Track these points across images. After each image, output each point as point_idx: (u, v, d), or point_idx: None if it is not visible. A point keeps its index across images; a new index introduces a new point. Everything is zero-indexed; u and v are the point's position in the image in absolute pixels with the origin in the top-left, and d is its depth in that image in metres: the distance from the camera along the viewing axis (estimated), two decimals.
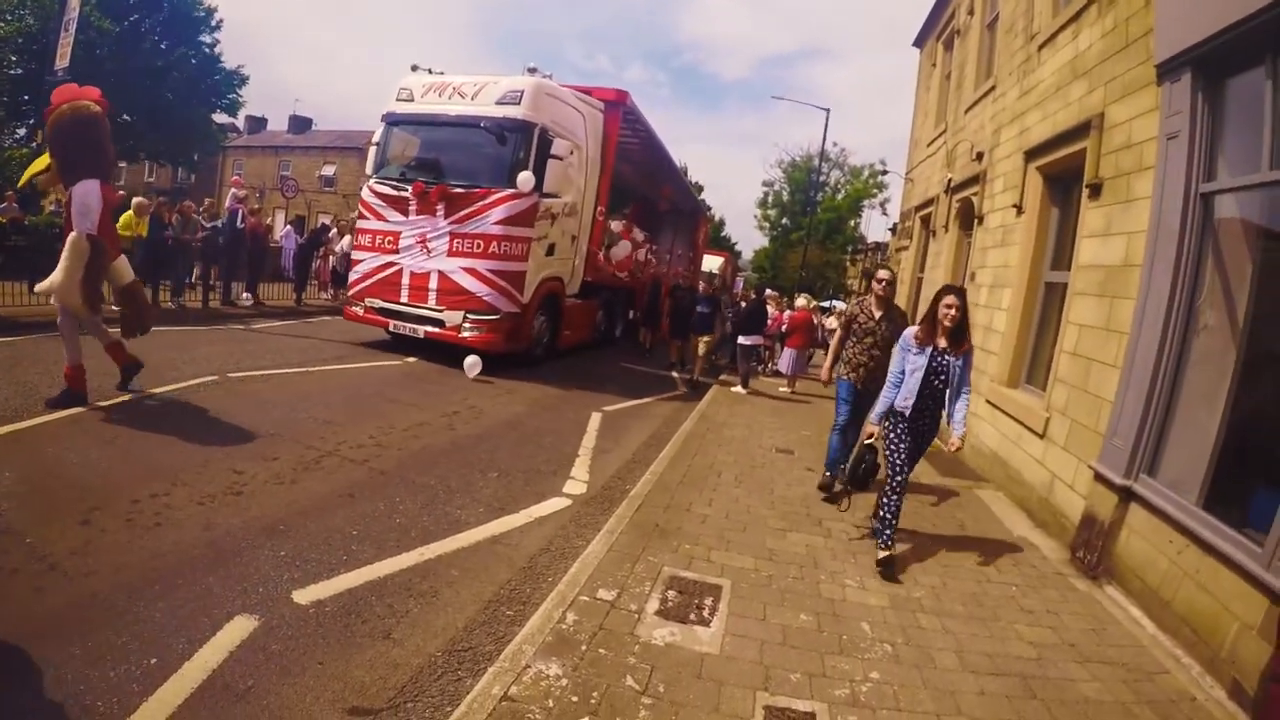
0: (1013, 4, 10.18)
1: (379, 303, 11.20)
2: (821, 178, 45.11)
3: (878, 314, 6.36)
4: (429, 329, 10.82)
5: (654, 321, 16.91)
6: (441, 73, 11.90)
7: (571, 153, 11.37)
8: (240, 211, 14.71)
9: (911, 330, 5.18)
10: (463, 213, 10.56)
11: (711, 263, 27.84)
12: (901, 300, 16.59)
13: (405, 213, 10.94)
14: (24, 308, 10.79)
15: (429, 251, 10.77)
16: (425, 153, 11.68)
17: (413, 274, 10.89)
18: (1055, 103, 7.88)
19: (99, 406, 6.37)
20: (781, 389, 13.47)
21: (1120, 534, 5.19)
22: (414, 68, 11.98)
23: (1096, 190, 6.50)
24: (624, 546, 4.70)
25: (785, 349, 14.10)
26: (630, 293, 18.04)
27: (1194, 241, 5.06)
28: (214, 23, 28.53)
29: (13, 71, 23.93)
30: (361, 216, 11.61)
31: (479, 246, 10.51)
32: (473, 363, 10.00)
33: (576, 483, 6.30)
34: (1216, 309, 5.02)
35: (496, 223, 10.46)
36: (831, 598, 4.36)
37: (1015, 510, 7.07)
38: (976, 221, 10.44)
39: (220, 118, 31.89)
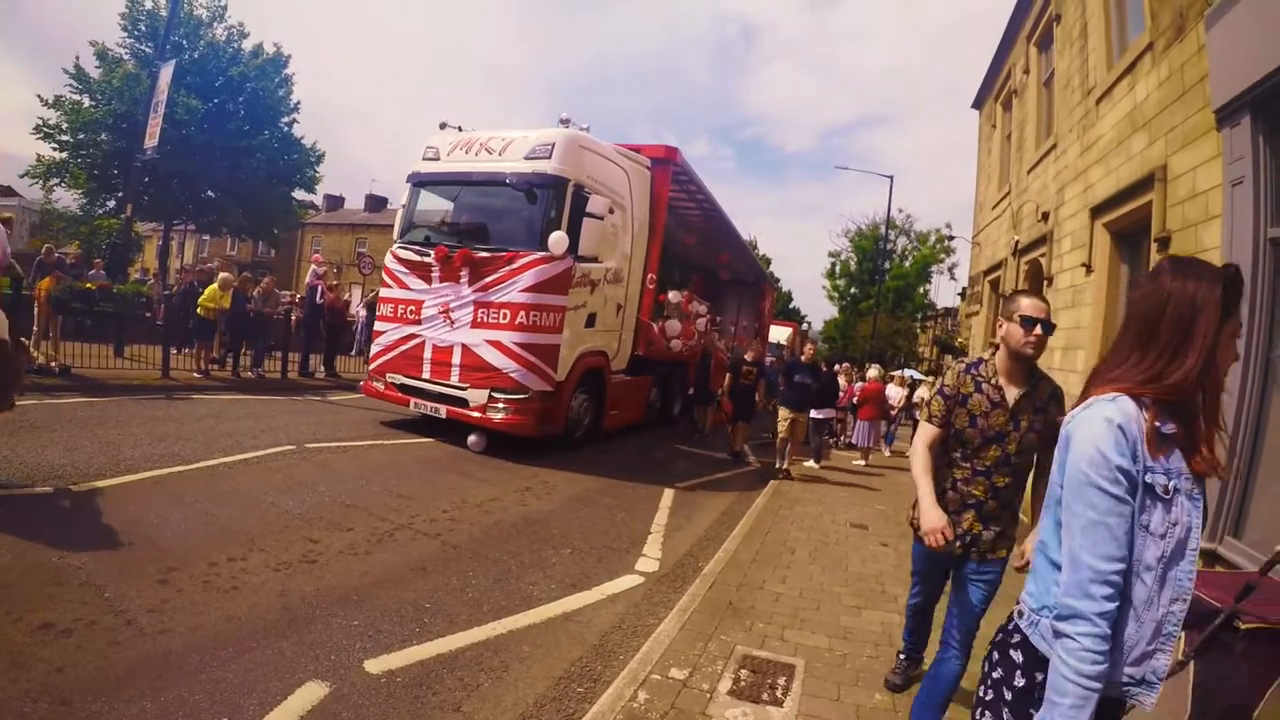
0: (1068, 60, 10.20)
1: (400, 378, 10.21)
2: (888, 245, 44.87)
3: (1012, 392, 3.20)
4: (452, 408, 9.71)
5: (706, 399, 15.06)
6: (472, 130, 10.93)
7: (611, 211, 10.27)
8: (319, 287, 15.36)
9: (1136, 421, 1.68)
10: (488, 279, 9.45)
11: (779, 334, 27.60)
12: None
13: (428, 280, 9.96)
14: (109, 370, 11.55)
15: (452, 323, 9.70)
16: (451, 215, 10.96)
17: (435, 347, 9.84)
18: (1117, 157, 7.81)
19: (179, 470, 6.64)
20: (856, 462, 13.22)
21: None
22: (443, 125, 11.02)
23: (1165, 244, 6.38)
24: (697, 625, 4.63)
25: (858, 421, 13.84)
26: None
27: (1266, 289, 4.94)
28: (293, 104, 30.01)
29: (104, 148, 25.36)
30: (384, 284, 10.68)
31: (505, 317, 9.35)
32: (476, 439, 9.45)
33: (649, 560, 6.24)
34: None
35: (525, 290, 9.27)
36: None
37: None
38: (1046, 283, 10.29)
39: (299, 195, 33.11)
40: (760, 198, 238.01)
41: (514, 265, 9.31)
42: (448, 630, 4.24)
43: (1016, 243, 12.13)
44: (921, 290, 48.14)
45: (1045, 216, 10.59)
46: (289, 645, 3.78)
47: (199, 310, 13.02)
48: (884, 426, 14.70)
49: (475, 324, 9.48)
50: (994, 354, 3.28)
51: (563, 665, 4.06)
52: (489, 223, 10.24)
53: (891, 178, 33.55)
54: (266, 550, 5.03)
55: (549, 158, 9.55)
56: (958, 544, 3.28)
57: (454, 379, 9.65)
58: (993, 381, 3.21)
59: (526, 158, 9.64)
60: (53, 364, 10.70)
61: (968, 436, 3.23)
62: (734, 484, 10.37)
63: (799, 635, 4.68)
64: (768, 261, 50.71)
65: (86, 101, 24.92)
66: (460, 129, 10.84)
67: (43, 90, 25.13)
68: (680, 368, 15.59)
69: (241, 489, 6.41)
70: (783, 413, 10.85)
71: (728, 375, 12.59)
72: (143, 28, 26.10)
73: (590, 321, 10.45)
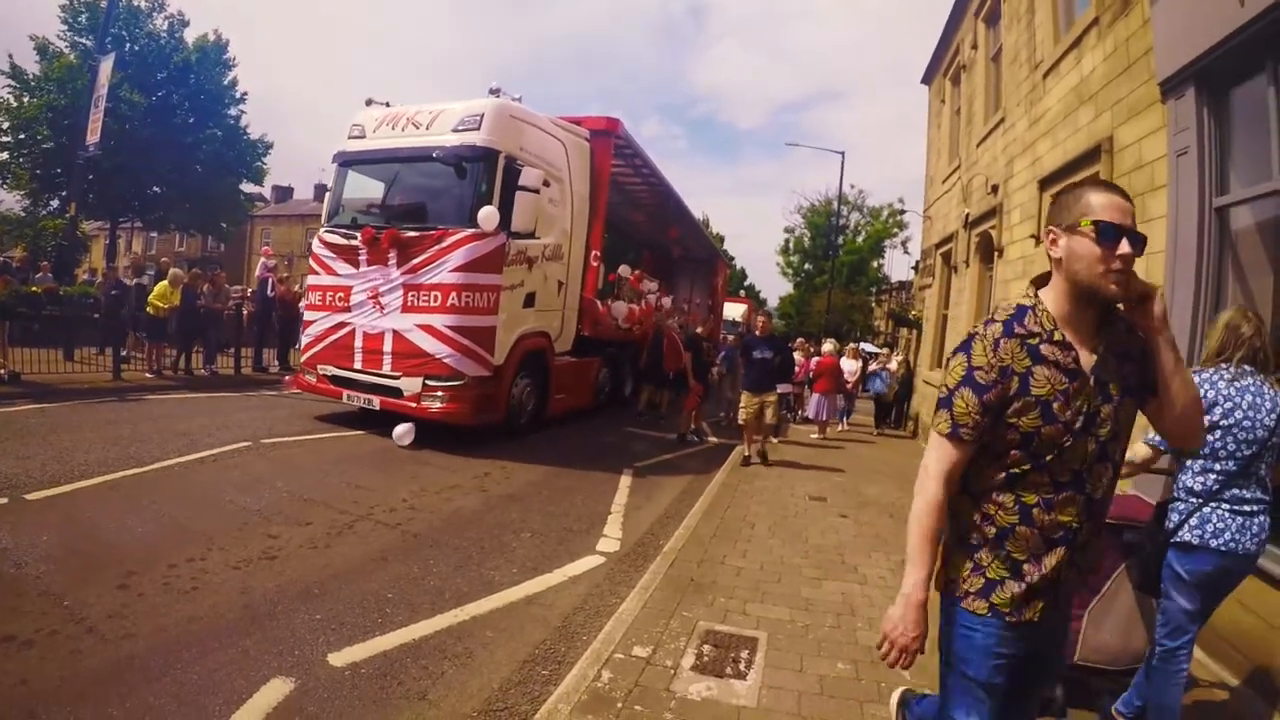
0: (1015, 34, 10.33)
1: (331, 369, 9.63)
2: (841, 221, 45.23)
3: (1085, 351, 1.97)
4: (385, 399, 9.21)
5: (660, 380, 14.07)
6: (400, 105, 10.30)
7: (547, 184, 9.80)
8: (270, 280, 15.14)
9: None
10: (417, 260, 8.91)
11: (733, 311, 27.53)
12: (928, 341, 16.50)
13: (356, 264, 9.38)
14: (59, 375, 11.33)
15: (382, 308, 9.13)
16: (379, 194, 10.28)
17: (365, 335, 9.28)
18: (1064, 129, 7.94)
19: (134, 473, 6.54)
20: (812, 435, 13.39)
21: None
22: (369, 101, 10.48)
23: None
24: (658, 602, 4.67)
25: (813, 394, 14.04)
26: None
27: (1212, 256, 5.06)
28: (238, 95, 29.58)
29: (45, 145, 24.76)
30: (312, 271, 10.05)
31: (436, 299, 8.82)
32: (403, 432, 8.90)
33: (610, 540, 6.26)
34: None
35: (455, 269, 8.74)
36: (869, 645, 4.24)
37: None
38: (997, 254, 10.46)
39: (248, 187, 32.63)
40: (713, 175, 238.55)
41: (443, 244, 8.83)
42: (410, 619, 4.23)
43: (967, 215, 12.30)
44: (875, 265, 48.79)
45: (995, 189, 10.75)
46: (252, 643, 3.76)
47: (149, 309, 12.76)
48: (840, 401, 14.76)
49: (405, 308, 8.98)
50: (1035, 295, 2.08)
51: (526, 648, 4.08)
52: (418, 201, 9.65)
53: (843, 153, 33.75)
54: (226, 549, 4.98)
55: (478, 129, 9.09)
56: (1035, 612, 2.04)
57: (386, 368, 9.16)
58: (1057, 339, 1.95)
59: (454, 130, 9.20)
60: (1, 371, 10.45)
61: (1046, 439, 1.92)
62: (693, 462, 10.38)
63: (761, 609, 4.74)
64: (721, 239, 50.85)
65: (26, 99, 24.26)
66: (388, 104, 10.36)
67: None
68: (631, 348, 14.90)
69: (198, 488, 6.34)
70: (746, 398, 9.95)
71: (688, 354, 12.02)
72: (83, 20, 25.48)
73: (529, 301, 10.01)
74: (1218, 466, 3.06)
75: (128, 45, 25.08)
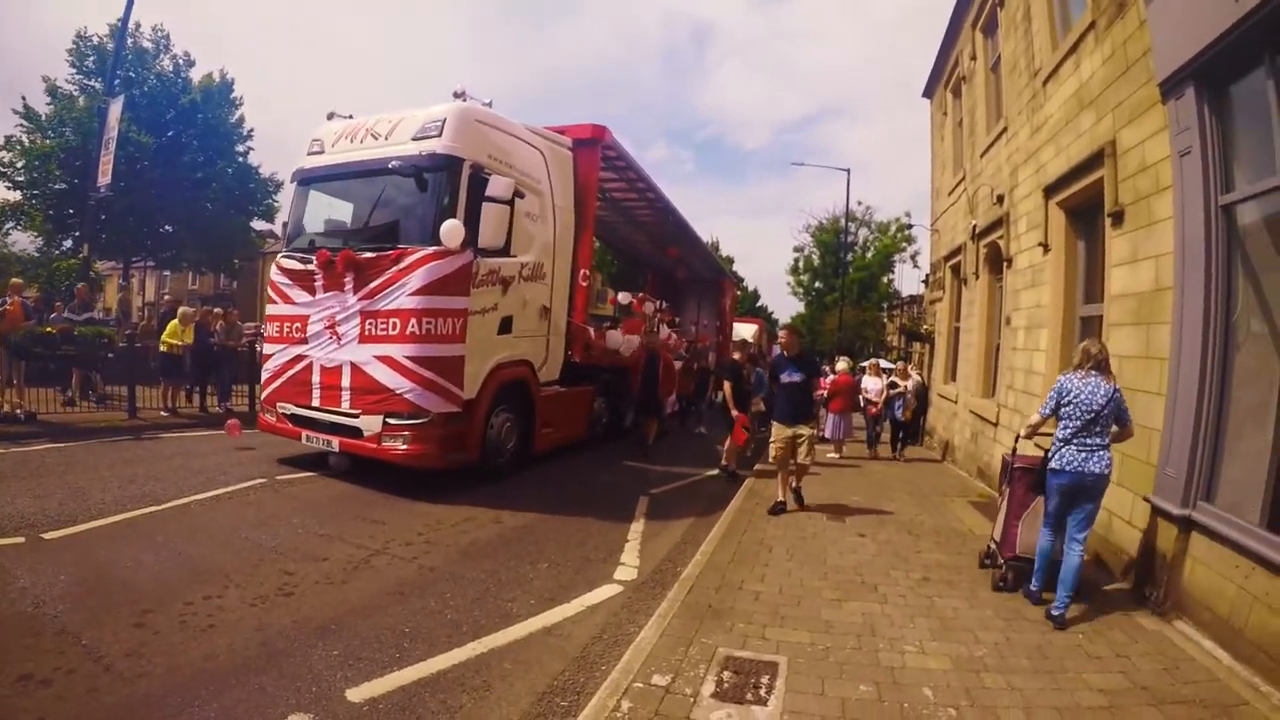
0: (1013, 43, 10.35)
1: (290, 407, 8.77)
2: (850, 237, 45.27)
3: None
4: (345, 439, 8.29)
5: (653, 409, 12.91)
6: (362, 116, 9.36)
7: (521, 195, 8.80)
8: None
9: None
10: (374, 284, 7.99)
11: (744, 331, 27.36)
12: (940, 352, 16.43)
13: (312, 291, 8.50)
14: (75, 414, 11.33)
15: (339, 338, 8.22)
16: (337, 213, 9.39)
17: (323, 369, 8.38)
18: (1067, 135, 7.93)
19: (150, 511, 6.60)
20: (829, 455, 13.23)
21: (1184, 565, 5.03)
22: (330, 115, 9.59)
23: (1119, 218, 6.49)
24: (677, 630, 4.63)
25: (829, 414, 13.76)
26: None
27: (1221, 255, 5.02)
28: (245, 132, 29.82)
29: (57, 186, 25.04)
30: (270, 300, 9.16)
31: (395, 327, 7.87)
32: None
33: (627, 568, 6.23)
34: (1254, 321, 4.95)
35: (415, 293, 7.79)
36: (891, 665, 4.23)
37: None
38: (1005, 264, 10.42)
39: (259, 224, 32.82)
40: (721, 197, 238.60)
41: (401, 265, 7.89)
42: (428, 653, 4.21)
43: (974, 226, 12.26)
44: (885, 280, 48.69)
45: (1000, 199, 10.72)
46: (269, 680, 3.75)
47: (163, 347, 12.87)
48: (868, 425, 14.27)
49: (363, 338, 8.06)
50: None
51: (545, 680, 4.05)
52: (378, 218, 8.75)
53: (848, 171, 33.98)
54: (242, 586, 4.99)
55: (439, 135, 8.18)
56: None
57: (345, 405, 8.23)
58: None
59: (414, 138, 8.30)
60: (18, 411, 10.53)
61: None
62: (710, 486, 10.30)
63: (780, 632, 4.69)
64: (731, 261, 50.86)
65: (40, 139, 24.60)
66: (351, 117, 9.44)
67: None
68: (627, 374, 13.59)
69: (214, 526, 6.36)
70: (776, 430, 8.52)
71: (728, 383, 10.60)
72: (90, 64, 25.83)
73: (505, 326, 9.01)
74: (1070, 425, 5.10)
75: (135, 88, 25.38)
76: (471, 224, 8.05)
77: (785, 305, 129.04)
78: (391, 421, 7.93)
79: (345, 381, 8.17)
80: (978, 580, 5.97)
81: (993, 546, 6.15)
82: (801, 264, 51.38)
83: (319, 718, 3.44)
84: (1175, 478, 5.14)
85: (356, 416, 8.14)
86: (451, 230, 7.81)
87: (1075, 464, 4.99)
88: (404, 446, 7.92)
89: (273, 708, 3.49)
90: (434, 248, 7.87)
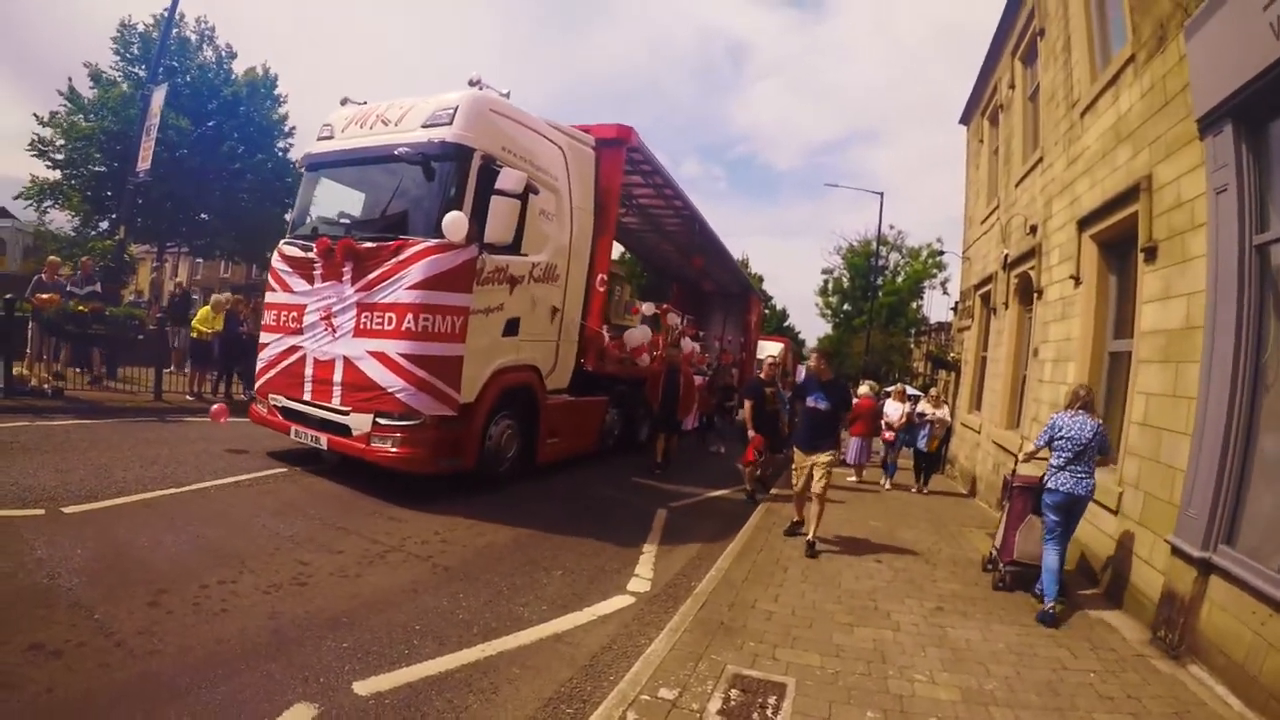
0: (1052, 73, 10.28)
1: (282, 400, 8.42)
2: (880, 261, 45.11)
3: None
4: (333, 437, 7.88)
5: (672, 426, 12.32)
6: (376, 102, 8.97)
7: (535, 191, 8.28)
8: None
9: None
10: (372, 275, 7.56)
11: (770, 349, 27.16)
12: (966, 380, 16.29)
13: (310, 280, 8.10)
14: (103, 393, 11.62)
15: (334, 330, 7.80)
16: (342, 200, 9.08)
17: (316, 362, 7.95)
18: (1103, 169, 7.87)
19: (170, 493, 6.65)
20: (849, 479, 13.14)
21: (1202, 608, 4.94)
22: (344, 101, 9.25)
23: (1152, 254, 6.42)
24: (688, 644, 4.61)
25: (851, 438, 13.49)
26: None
27: (1253, 295, 4.95)
28: (288, 129, 30.30)
29: (96, 168, 25.43)
30: (269, 288, 8.79)
31: (390, 322, 7.43)
32: (218, 409, 8.40)
33: (641, 580, 6.22)
34: None
35: (413, 286, 7.34)
36: (900, 694, 4.19)
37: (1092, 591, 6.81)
38: (1036, 296, 10.33)
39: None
40: (752, 216, 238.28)
41: (401, 256, 7.46)
42: (437, 652, 4.22)
43: (1006, 256, 12.16)
44: (914, 305, 48.49)
45: (1033, 229, 10.63)
46: (278, 667, 3.77)
47: (193, 333, 13.04)
48: (882, 451, 14.00)
49: (358, 331, 7.63)
50: None
51: (552, 686, 4.05)
52: (384, 207, 8.32)
53: (881, 194, 33.82)
54: (257, 572, 5.03)
55: (449, 123, 7.77)
56: None
57: (335, 400, 7.82)
58: None
59: (424, 125, 7.90)
60: (45, 386, 10.69)
61: None
62: (725, 506, 10.24)
63: (790, 654, 4.66)
64: (760, 279, 50.83)
65: (81, 121, 24.99)
66: (365, 103, 9.07)
67: (37, 112, 25.02)
68: (644, 387, 13.00)
69: (232, 511, 6.41)
70: (797, 457, 8.07)
71: (748, 402, 10.24)
72: (134, 51, 26.31)
73: (511, 328, 8.58)
74: (1063, 455, 6.12)
75: (178, 77, 25.75)
76: (480, 218, 7.69)
77: (812, 326, 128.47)
78: (382, 421, 7.55)
79: (337, 376, 7.79)
80: (992, 612, 5.91)
81: (994, 552, 7.15)
82: (830, 285, 51.35)
83: (325, 709, 3.46)
84: (1197, 519, 5.06)
85: (346, 414, 7.77)
86: (454, 222, 7.38)
87: (1068, 486, 6.09)
88: (393, 449, 7.52)
89: (280, 695, 3.51)
90: (436, 240, 7.46)
